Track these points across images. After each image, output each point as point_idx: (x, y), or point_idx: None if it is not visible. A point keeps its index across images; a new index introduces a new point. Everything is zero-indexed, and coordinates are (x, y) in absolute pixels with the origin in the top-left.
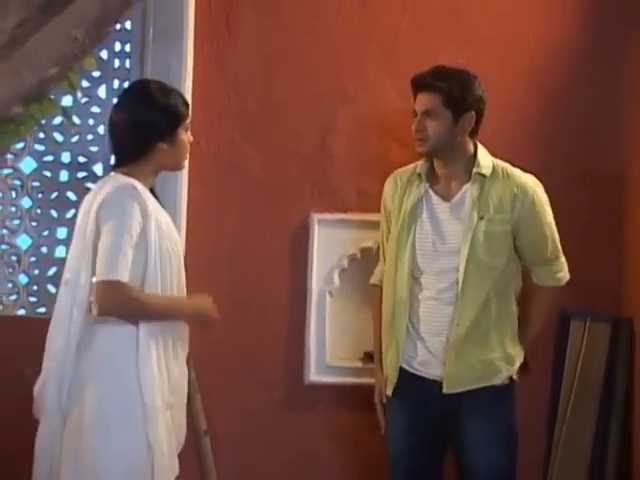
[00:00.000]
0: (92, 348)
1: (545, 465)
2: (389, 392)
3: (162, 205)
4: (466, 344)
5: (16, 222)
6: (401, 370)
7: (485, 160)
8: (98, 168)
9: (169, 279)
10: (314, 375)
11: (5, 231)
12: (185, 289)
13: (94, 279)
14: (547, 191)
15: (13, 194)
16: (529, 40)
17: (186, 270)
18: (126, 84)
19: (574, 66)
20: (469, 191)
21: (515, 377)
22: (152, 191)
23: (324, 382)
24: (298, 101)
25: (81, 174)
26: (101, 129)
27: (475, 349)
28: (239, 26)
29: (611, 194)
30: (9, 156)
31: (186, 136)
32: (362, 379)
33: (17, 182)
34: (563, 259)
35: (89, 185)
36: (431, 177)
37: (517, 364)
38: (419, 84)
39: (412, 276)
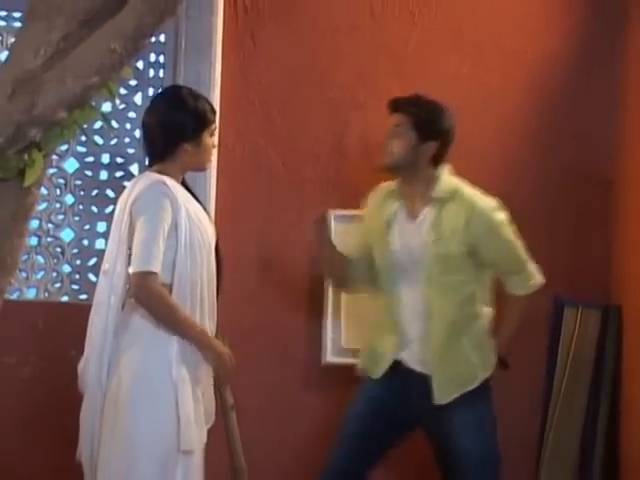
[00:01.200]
0: (128, 330)
1: (540, 437)
2: (374, 375)
3: (194, 196)
4: (445, 358)
5: (60, 217)
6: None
7: (445, 185)
8: (134, 168)
9: (199, 263)
10: (330, 356)
11: (50, 225)
12: (215, 275)
13: (130, 270)
14: (544, 191)
15: (57, 192)
16: (527, 54)
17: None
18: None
19: (568, 77)
20: (428, 214)
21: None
22: (184, 184)
23: (339, 363)
24: (316, 107)
25: (119, 173)
26: (137, 133)
27: (454, 362)
28: (263, 39)
29: (600, 194)
30: (54, 157)
31: (211, 140)
32: None
33: (61, 181)
34: (531, 268)
35: (126, 183)
36: (403, 195)
37: (491, 365)
38: (395, 105)
39: (392, 286)
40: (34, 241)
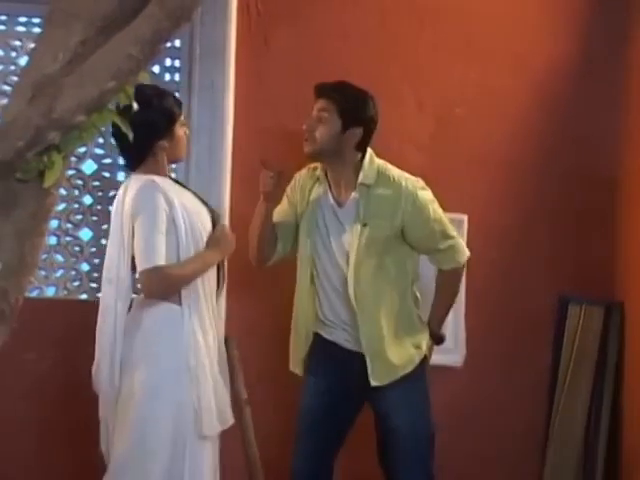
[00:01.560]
0: (140, 329)
1: (546, 427)
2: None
3: (183, 186)
4: (379, 344)
5: (79, 217)
6: (320, 337)
7: (369, 169)
8: None
9: (202, 250)
10: None
11: (69, 225)
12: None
13: (137, 270)
14: (549, 191)
15: (76, 192)
16: (533, 59)
17: (229, 264)
18: (176, 95)
19: (572, 82)
20: (355, 199)
21: (426, 354)
22: (172, 178)
23: None
24: None
25: None
26: None
27: (390, 346)
28: (276, 43)
29: (604, 194)
30: (72, 159)
31: (182, 130)
32: None
33: (79, 182)
34: (458, 242)
35: None
36: (328, 181)
37: (424, 345)
38: (320, 90)
39: (314, 270)
40: (53, 240)
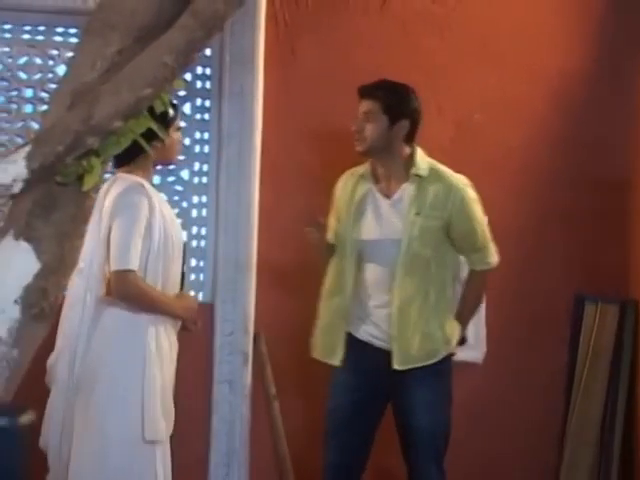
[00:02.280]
0: (99, 326)
1: (562, 424)
2: (336, 362)
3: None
4: (409, 329)
5: None
6: (352, 337)
7: (422, 162)
8: (185, 173)
9: (171, 261)
10: None
11: None
12: (180, 272)
13: (110, 269)
14: (565, 193)
15: None
16: (549, 65)
17: (257, 253)
18: (207, 102)
19: (587, 86)
20: (407, 189)
21: (453, 352)
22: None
23: None
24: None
25: (170, 178)
26: (187, 140)
27: (418, 334)
28: (303, 52)
29: (618, 195)
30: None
31: (177, 135)
32: None
33: None
34: (492, 246)
35: (177, 187)
36: (374, 177)
37: (454, 342)
38: (364, 92)
39: (357, 262)
40: None
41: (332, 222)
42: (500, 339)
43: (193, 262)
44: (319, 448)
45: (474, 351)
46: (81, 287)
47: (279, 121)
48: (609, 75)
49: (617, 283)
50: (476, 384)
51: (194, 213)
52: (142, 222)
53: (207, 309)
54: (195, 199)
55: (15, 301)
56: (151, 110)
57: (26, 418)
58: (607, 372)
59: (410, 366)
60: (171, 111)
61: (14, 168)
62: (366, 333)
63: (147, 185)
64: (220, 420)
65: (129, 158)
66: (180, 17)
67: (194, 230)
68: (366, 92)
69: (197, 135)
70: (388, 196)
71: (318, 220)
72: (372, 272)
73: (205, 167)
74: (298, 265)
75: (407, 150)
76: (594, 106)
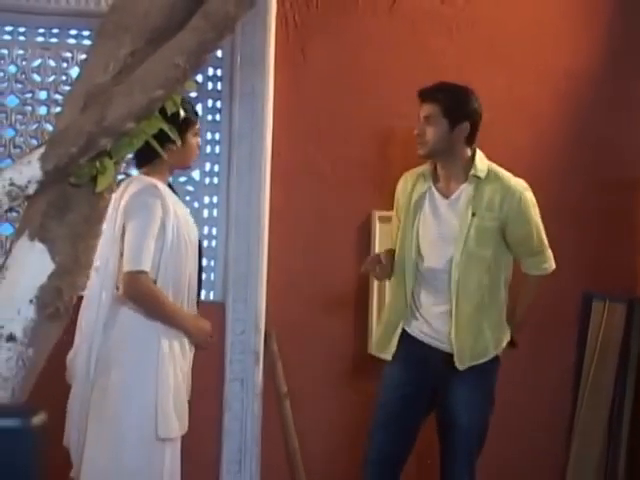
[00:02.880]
0: (116, 324)
1: (570, 421)
2: (388, 356)
3: (178, 196)
4: (465, 329)
5: None
6: (405, 333)
7: (481, 164)
8: (196, 174)
9: (184, 262)
10: None
11: None
12: (196, 270)
13: (123, 268)
14: (573, 192)
15: None
16: (556, 65)
17: (268, 253)
18: (218, 103)
19: (594, 86)
20: (465, 190)
21: (499, 354)
22: (170, 187)
23: None
24: (362, 116)
25: (182, 179)
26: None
27: (472, 334)
28: (312, 53)
29: (626, 193)
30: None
31: (195, 140)
32: None
33: None
34: (549, 252)
35: (189, 188)
36: (434, 177)
37: (504, 344)
38: (423, 95)
39: (415, 260)
40: None
41: (395, 222)
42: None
43: (204, 262)
44: (330, 445)
45: None
46: (97, 285)
47: (290, 122)
48: (616, 75)
49: (625, 281)
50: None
51: (205, 213)
52: (156, 223)
53: (218, 308)
54: (206, 199)
55: (30, 301)
56: (165, 112)
57: (38, 419)
58: (614, 370)
59: (466, 365)
60: (189, 115)
61: (28, 170)
62: (417, 329)
63: (161, 186)
64: (232, 418)
65: (146, 160)
66: (192, 19)
67: (205, 230)
68: (426, 95)
69: (208, 136)
70: (447, 196)
71: (379, 259)
72: (430, 270)
73: (216, 167)
74: (308, 264)
75: (468, 152)
76: (602, 106)
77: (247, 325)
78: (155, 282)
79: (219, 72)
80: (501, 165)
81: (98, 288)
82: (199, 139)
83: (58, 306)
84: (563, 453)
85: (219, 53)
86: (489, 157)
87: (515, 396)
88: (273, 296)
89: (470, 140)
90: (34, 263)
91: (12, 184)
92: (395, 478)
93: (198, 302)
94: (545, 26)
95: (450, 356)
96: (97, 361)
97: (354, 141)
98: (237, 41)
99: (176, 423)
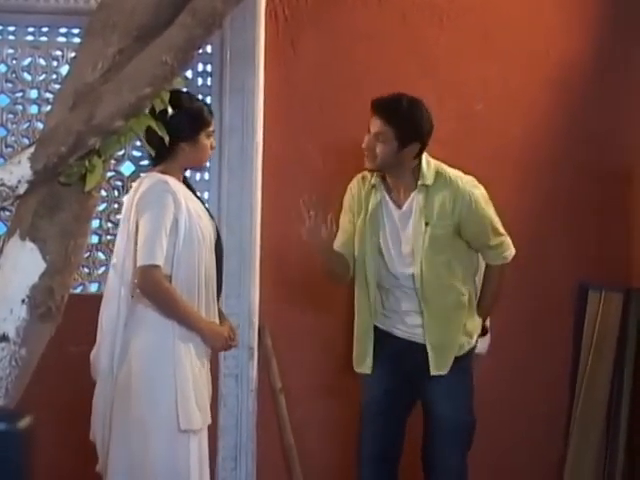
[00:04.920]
0: (134, 319)
1: (568, 412)
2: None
3: (195, 193)
4: (445, 337)
5: (118, 216)
6: (379, 331)
7: (428, 171)
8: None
9: (197, 257)
10: None
11: (110, 224)
12: (215, 269)
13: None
14: (568, 183)
15: (116, 193)
16: (549, 54)
17: (261, 248)
18: (208, 99)
19: (589, 77)
20: (416, 199)
21: (475, 344)
22: (186, 182)
23: None
24: (352, 108)
25: None
26: None
27: (443, 336)
28: (302, 47)
29: (621, 184)
30: (112, 161)
31: (208, 141)
32: None
33: (119, 183)
34: (507, 240)
35: None
36: (386, 186)
37: (475, 336)
38: (377, 109)
39: (377, 269)
40: (95, 239)
41: (347, 228)
42: (504, 328)
43: None
44: (325, 441)
45: (479, 342)
46: (116, 282)
47: (281, 116)
48: (611, 64)
49: (621, 271)
50: (480, 374)
51: None
52: (168, 218)
53: None
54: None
55: (22, 301)
56: (185, 109)
57: (25, 422)
58: (612, 360)
59: (446, 370)
60: (204, 115)
61: (19, 169)
62: (391, 326)
63: (172, 182)
64: (227, 414)
65: (160, 159)
66: (179, 15)
67: None
68: (379, 111)
69: None
70: (399, 206)
71: (327, 222)
72: (393, 278)
73: (207, 163)
74: (301, 258)
75: (415, 162)
76: (597, 96)
77: (241, 320)
78: (169, 278)
79: (209, 68)
80: (494, 156)
81: (117, 285)
82: (213, 140)
83: (50, 305)
84: (561, 448)
85: (208, 49)
86: (481, 148)
87: (510, 391)
88: (266, 290)
89: (419, 155)
90: (26, 263)
91: (3, 184)
92: (393, 474)
93: (219, 298)
94: (538, 15)
95: (418, 345)
96: (119, 356)
97: (345, 133)
98: (226, 36)
99: (198, 414)
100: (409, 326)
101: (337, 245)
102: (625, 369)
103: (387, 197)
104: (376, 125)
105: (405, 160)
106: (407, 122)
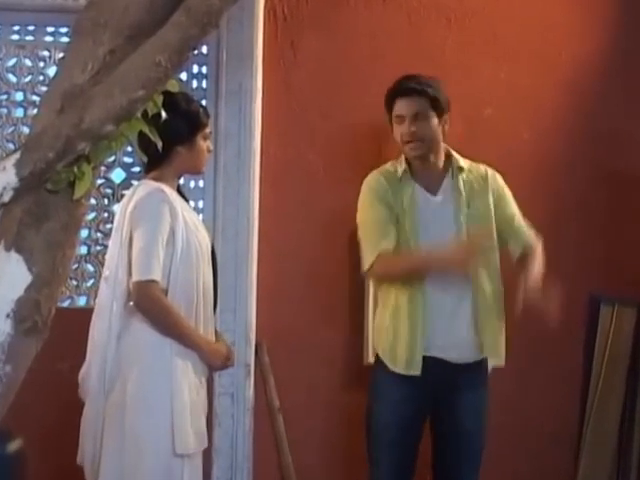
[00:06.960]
0: (130, 335)
1: (579, 427)
2: (403, 370)
3: (187, 201)
4: (486, 319)
5: (108, 226)
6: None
7: (457, 156)
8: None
9: (194, 269)
10: (371, 358)
11: (99, 234)
12: (212, 281)
13: (132, 278)
14: (579, 189)
15: (105, 201)
16: (561, 55)
17: (258, 259)
18: (204, 102)
19: (600, 78)
20: (450, 184)
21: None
22: (179, 190)
23: None
24: (354, 112)
25: None
26: None
27: (494, 322)
28: (302, 48)
29: (635, 191)
30: (102, 168)
31: (205, 144)
32: None
33: (109, 190)
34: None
35: None
36: (412, 175)
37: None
38: (405, 90)
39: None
40: (84, 250)
41: (389, 220)
42: (514, 341)
43: None
44: (324, 461)
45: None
46: (107, 295)
47: (279, 120)
48: (624, 66)
49: (635, 284)
50: (490, 387)
51: None
52: (165, 229)
53: None
54: (191, 204)
55: (7, 315)
56: (181, 111)
57: (14, 445)
58: (624, 375)
59: (501, 358)
60: (200, 116)
61: (3, 176)
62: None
63: (168, 190)
64: (223, 434)
65: (154, 165)
66: (173, 14)
67: None
68: (408, 91)
69: None
70: (433, 193)
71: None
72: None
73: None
74: (300, 270)
75: (443, 145)
76: (609, 97)
77: (237, 336)
78: (166, 292)
79: (204, 69)
80: (505, 160)
81: (109, 298)
82: (210, 143)
83: (36, 320)
84: (573, 461)
85: (204, 49)
86: (490, 151)
87: (520, 406)
88: (263, 304)
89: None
90: (10, 275)
91: None
92: None
93: (215, 312)
94: (549, 16)
95: (453, 366)
96: (111, 375)
97: (347, 138)
98: (223, 36)
99: (193, 438)
100: (452, 334)
101: (390, 244)
102: (638, 386)
103: (417, 187)
104: (410, 106)
105: (444, 136)
106: (436, 90)
